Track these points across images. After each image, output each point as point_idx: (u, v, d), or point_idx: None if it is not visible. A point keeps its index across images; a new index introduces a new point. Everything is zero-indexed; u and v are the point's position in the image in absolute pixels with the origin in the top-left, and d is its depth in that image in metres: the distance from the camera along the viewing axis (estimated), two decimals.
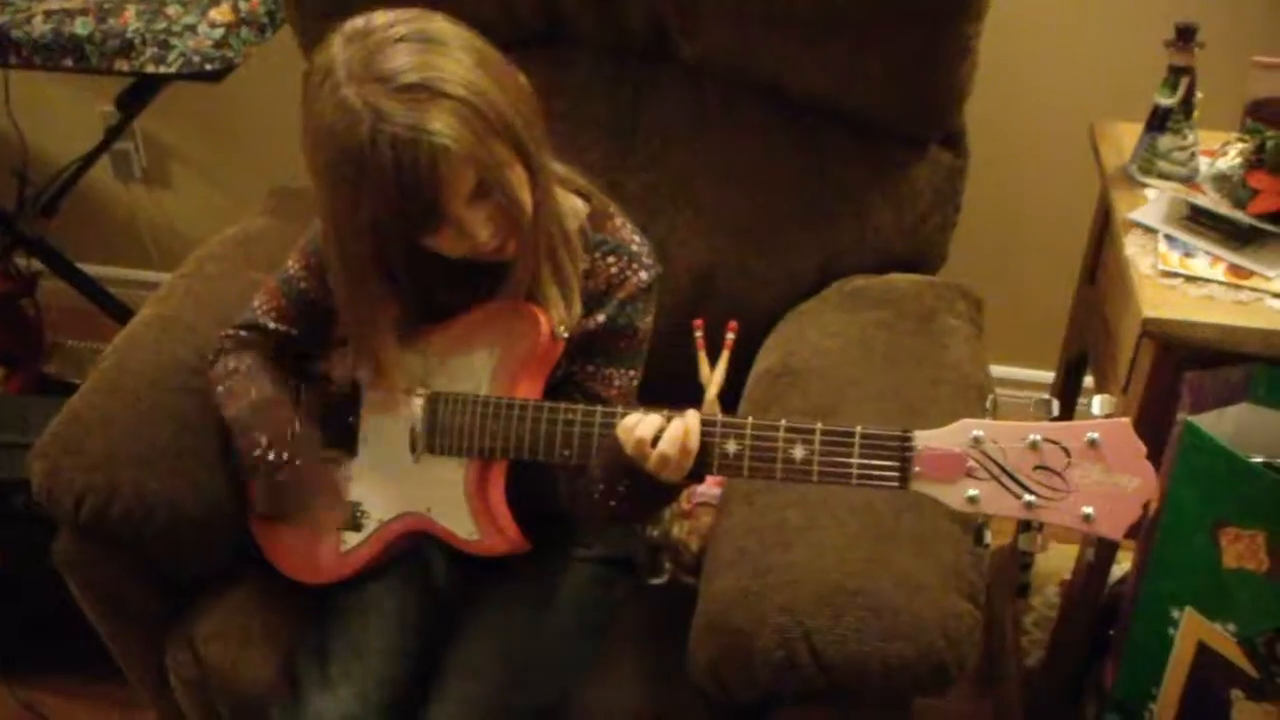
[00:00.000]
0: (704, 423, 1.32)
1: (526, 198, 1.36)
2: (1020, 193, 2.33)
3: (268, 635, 1.65)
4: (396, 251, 1.41)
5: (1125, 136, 1.83)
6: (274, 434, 1.53)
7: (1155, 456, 1.19)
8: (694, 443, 1.31)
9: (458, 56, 1.29)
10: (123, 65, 2.08)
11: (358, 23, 1.32)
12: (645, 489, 1.35)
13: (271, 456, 1.53)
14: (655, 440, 1.31)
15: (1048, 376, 2.27)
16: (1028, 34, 2.16)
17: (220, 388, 1.60)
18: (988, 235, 2.13)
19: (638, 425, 1.33)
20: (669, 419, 1.33)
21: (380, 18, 1.32)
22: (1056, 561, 2.18)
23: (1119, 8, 2.15)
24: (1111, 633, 1.79)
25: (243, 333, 1.62)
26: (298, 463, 1.53)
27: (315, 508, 1.58)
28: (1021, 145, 2.27)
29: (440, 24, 1.33)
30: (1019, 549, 2.10)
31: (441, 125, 1.25)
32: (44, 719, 2.19)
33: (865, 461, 1.26)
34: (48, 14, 2.09)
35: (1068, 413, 1.29)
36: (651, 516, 1.70)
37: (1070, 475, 1.18)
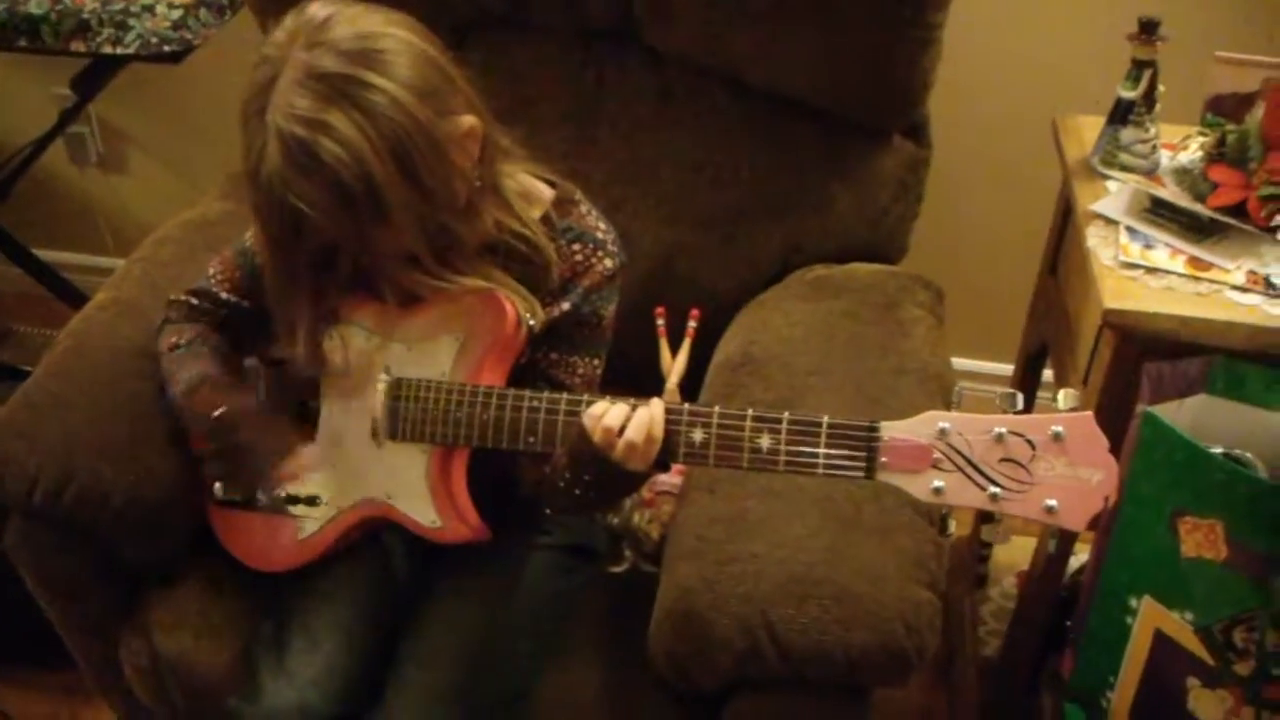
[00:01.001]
0: (669, 411, 1.32)
1: (406, 238, 1.35)
2: (980, 185, 2.34)
3: (224, 624, 1.64)
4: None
5: (1087, 129, 1.84)
6: (205, 418, 1.51)
7: (1115, 447, 1.20)
8: (659, 431, 1.31)
9: (354, 123, 1.26)
10: (79, 46, 2.04)
11: (306, 15, 1.31)
12: (611, 477, 1.35)
13: (208, 439, 1.52)
14: (622, 429, 1.31)
15: (1006, 369, 2.27)
16: (991, 25, 2.16)
17: (163, 363, 1.59)
18: (947, 227, 2.13)
19: (605, 414, 1.32)
20: (634, 407, 1.32)
21: (326, 28, 1.30)
22: (1014, 553, 2.19)
23: (1082, 1, 2.15)
24: (1069, 623, 1.80)
25: (193, 300, 1.61)
26: (230, 442, 1.51)
27: (270, 468, 1.56)
28: (983, 137, 2.27)
29: (385, 42, 1.30)
30: (981, 540, 2.11)
31: (304, 192, 1.27)
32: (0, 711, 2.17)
33: (832, 452, 1.26)
34: None
35: (1027, 406, 1.31)
36: (616, 504, 1.69)
37: (1034, 468, 1.19)
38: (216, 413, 1.50)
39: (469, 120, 1.37)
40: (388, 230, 1.33)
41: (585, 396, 1.37)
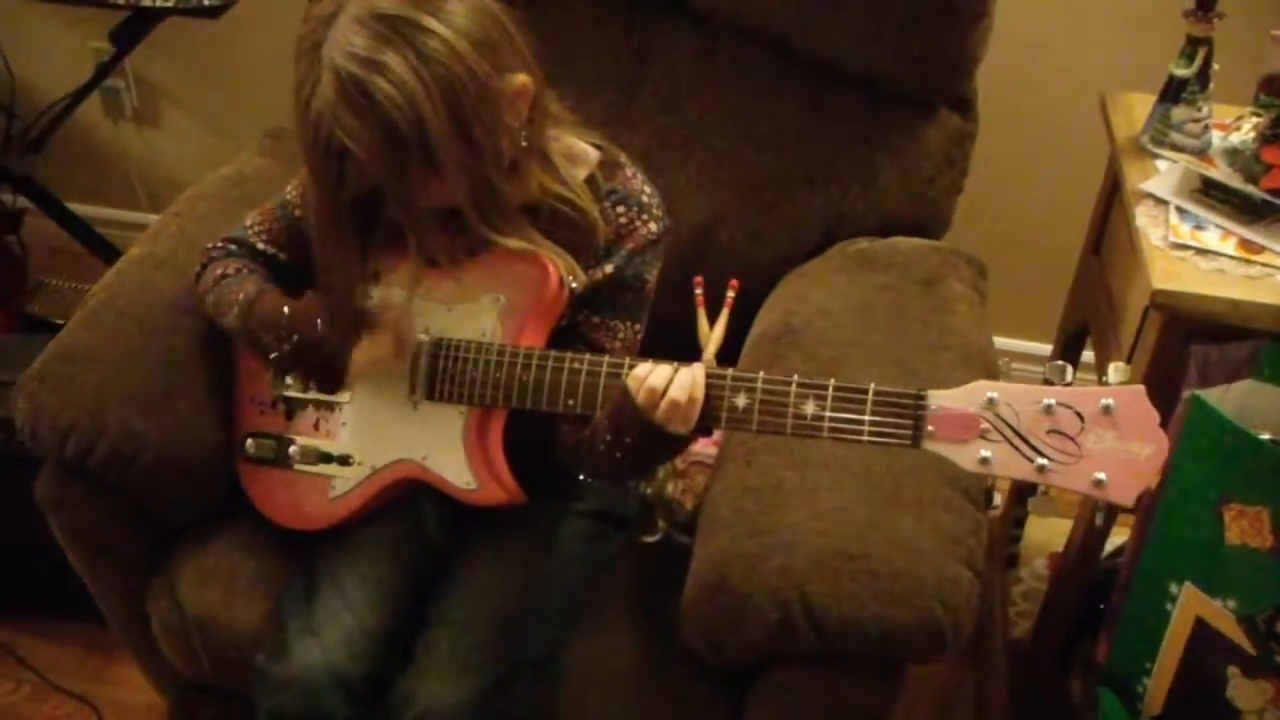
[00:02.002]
0: (713, 375, 1.31)
1: (449, 189, 1.34)
2: (1023, 160, 2.31)
3: (253, 583, 1.63)
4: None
5: (1137, 107, 1.81)
6: (274, 330, 1.50)
7: None
8: (700, 392, 1.30)
9: (409, 63, 1.26)
10: None
11: None
12: (652, 439, 1.34)
13: (280, 354, 1.51)
14: (665, 390, 1.30)
15: (1044, 348, 2.26)
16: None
17: (209, 299, 1.58)
18: (988, 202, 2.11)
19: (649, 375, 1.31)
20: (677, 369, 1.31)
21: None
22: (1045, 534, 2.18)
23: None
24: (1103, 606, 1.78)
25: (231, 246, 1.61)
26: (315, 323, 1.49)
27: (341, 362, 1.53)
28: (1028, 112, 2.24)
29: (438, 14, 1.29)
30: (1029, 513, 2.11)
31: (354, 128, 1.26)
32: (20, 660, 2.16)
33: (878, 419, 1.25)
34: None
35: None
36: (652, 470, 1.68)
37: (1083, 440, 1.18)
38: (286, 308, 1.50)
39: (522, 79, 1.36)
40: (431, 180, 1.32)
41: (627, 360, 1.36)
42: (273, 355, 1.51)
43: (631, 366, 1.34)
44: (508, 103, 1.35)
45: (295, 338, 1.49)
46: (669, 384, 1.30)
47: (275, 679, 1.49)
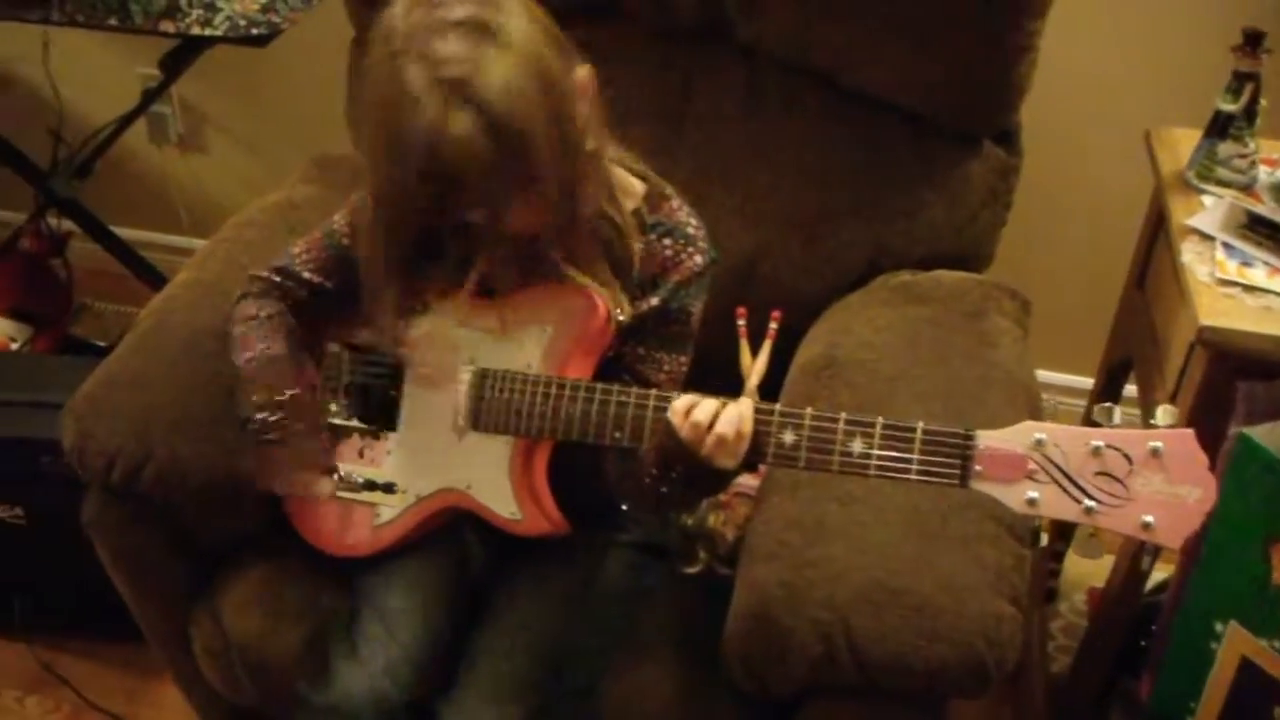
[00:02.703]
0: (760, 410, 1.31)
1: (535, 210, 1.33)
2: (1065, 194, 2.31)
3: (296, 608, 1.64)
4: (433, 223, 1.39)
5: (1182, 142, 1.81)
6: (270, 394, 1.51)
7: None
8: (748, 427, 1.29)
9: (506, 61, 1.25)
10: (168, 26, 2.06)
11: None
12: (698, 474, 1.33)
13: (259, 416, 1.51)
14: (711, 425, 1.29)
15: (1085, 382, 2.24)
16: (1085, 33, 2.12)
17: (236, 329, 1.57)
18: (1030, 235, 2.10)
19: (692, 409, 1.31)
20: (724, 404, 1.31)
21: None
22: (1084, 567, 2.16)
23: (1182, 10, 2.12)
24: (1144, 643, 1.77)
25: (275, 277, 1.59)
26: (286, 428, 1.51)
27: (296, 481, 1.57)
28: (1071, 146, 2.24)
29: (507, 14, 1.28)
30: (1078, 556, 2.09)
31: (461, 132, 1.23)
32: (63, 680, 2.18)
33: (926, 458, 1.25)
34: None
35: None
36: (698, 504, 1.68)
37: (1131, 483, 1.17)
38: (290, 393, 1.51)
39: (584, 70, 1.35)
40: (523, 194, 1.30)
41: (674, 393, 1.36)
42: (256, 414, 1.51)
43: (677, 398, 1.34)
44: (580, 93, 1.34)
45: (280, 414, 1.50)
46: (715, 418, 1.30)
47: (318, 705, 1.50)
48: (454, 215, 1.33)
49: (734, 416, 1.29)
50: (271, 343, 1.54)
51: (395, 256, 1.42)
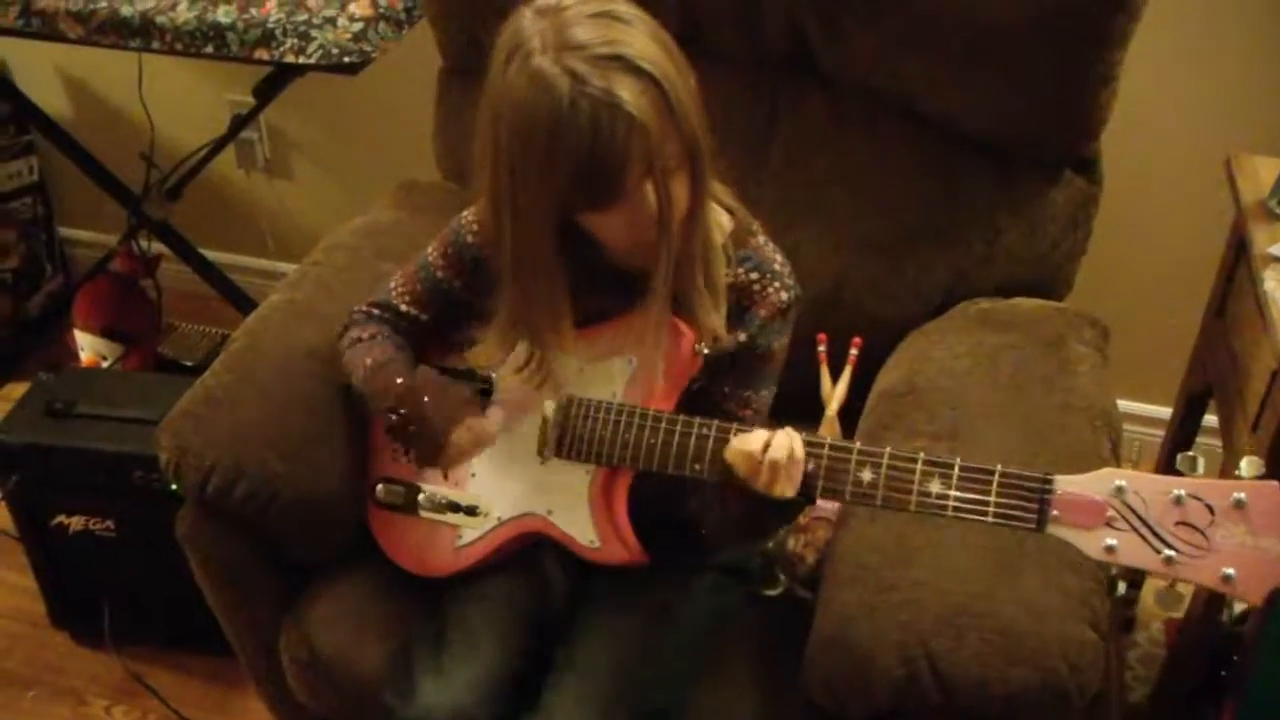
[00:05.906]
0: (838, 448, 1.32)
1: (683, 195, 1.36)
2: (1146, 221, 2.30)
3: (382, 623, 1.67)
4: (563, 236, 1.39)
5: (1263, 170, 1.81)
6: (386, 396, 1.54)
7: None
8: (800, 449, 1.32)
9: (646, 39, 1.30)
10: (263, 54, 2.11)
11: (547, 0, 1.33)
12: (761, 506, 1.35)
13: (392, 419, 1.54)
14: (763, 454, 1.32)
15: (1163, 411, 2.23)
16: (1166, 61, 2.13)
17: (345, 356, 1.63)
18: (1109, 263, 2.10)
19: (744, 441, 1.34)
20: (774, 433, 1.33)
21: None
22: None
23: (1262, 37, 2.11)
24: (1224, 673, 1.76)
25: (374, 310, 1.65)
26: (413, 413, 1.52)
27: (463, 441, 1.55)
28: (1151, 174, 2.24)
29: (626, 6, 1.33)
30: (1158, 608, 2.08)
31: (630, 97, 1.26)
32: (151, 690, 2.23)
33: (1003, 500, 1.25)
34: (192, 1, 2.13)
35: (1187, 449, 1.29)
36: (774, 533, 1.69)
37: (1213, 534, 1.16)
38: (400, 380, 1.54)
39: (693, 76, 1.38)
40: (678, 167, 1.34)
41: (752, 428, 1.37)
42: (390, 417, 1.55)
43: (738, 433, 1.36)
44: (698, 96, 1.37)
45: (402, 410, 1.53)
46: (765, 446, 1.32)
47: (402, 718, 1.52)
48: (630, 180, 1.31)
49: (784, 442, 1.32)
50: (376, 355, 1.59)
51: (549, 250, 1.39)
